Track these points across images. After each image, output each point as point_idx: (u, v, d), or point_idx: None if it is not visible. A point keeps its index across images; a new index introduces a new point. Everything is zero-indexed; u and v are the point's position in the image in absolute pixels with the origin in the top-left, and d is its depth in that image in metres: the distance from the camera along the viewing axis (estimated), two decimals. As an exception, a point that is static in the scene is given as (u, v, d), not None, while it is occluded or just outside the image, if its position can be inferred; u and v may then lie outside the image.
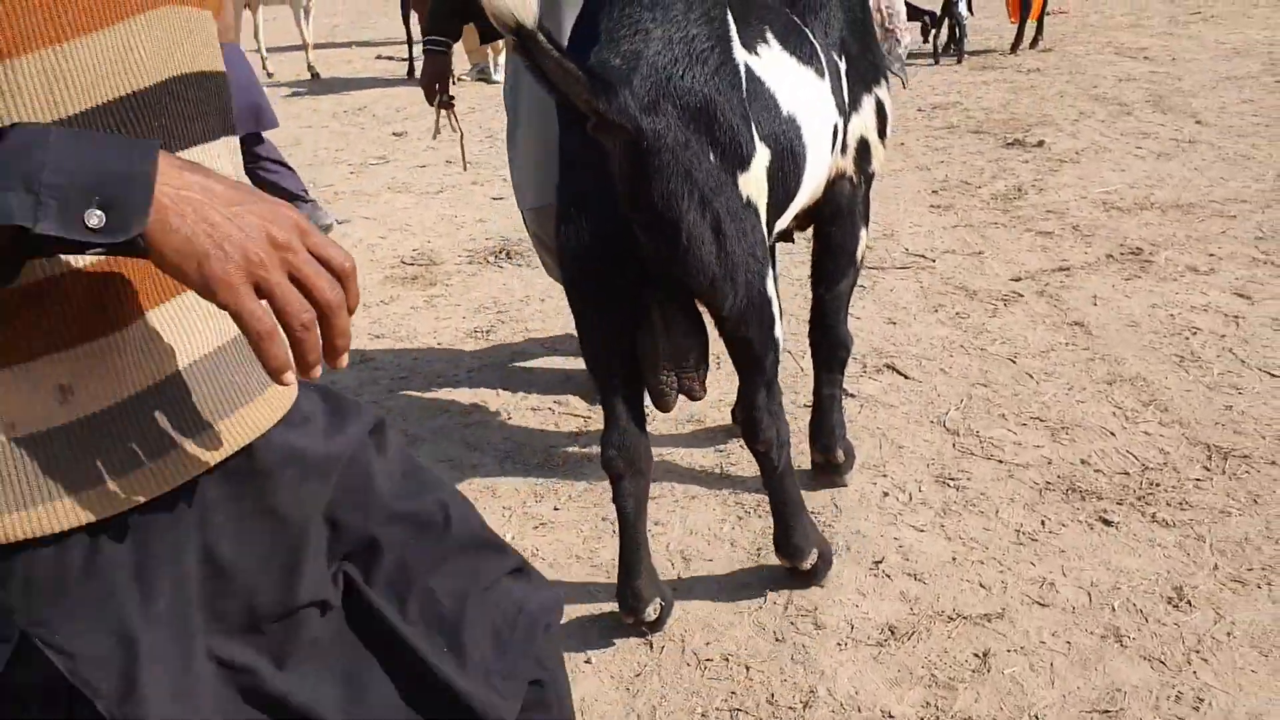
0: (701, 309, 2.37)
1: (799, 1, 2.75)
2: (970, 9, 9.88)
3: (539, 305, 4.71)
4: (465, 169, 5.69)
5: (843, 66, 2.79)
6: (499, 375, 4.04)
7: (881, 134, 2.96)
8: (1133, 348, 3.84)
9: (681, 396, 2.46)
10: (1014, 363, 3.80)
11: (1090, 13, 12.03)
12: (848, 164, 2.84)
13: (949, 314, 4.25)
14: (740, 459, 3.30)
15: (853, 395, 3.63)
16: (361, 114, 9.54)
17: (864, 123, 2.86)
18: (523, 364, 4.12)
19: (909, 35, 3.22)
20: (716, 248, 2.19)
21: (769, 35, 2.50)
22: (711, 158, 2.16)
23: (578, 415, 3.68)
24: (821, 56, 2.67)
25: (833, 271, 2.97)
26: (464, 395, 3.90)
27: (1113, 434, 3.29)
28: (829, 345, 3.02)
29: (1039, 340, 3.96)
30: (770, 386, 2.47)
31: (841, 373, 3.07)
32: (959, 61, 9.60)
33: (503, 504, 3.19)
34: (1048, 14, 10.79)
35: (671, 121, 2.09)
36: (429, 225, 6.00)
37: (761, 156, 2.31)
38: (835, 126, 2.70)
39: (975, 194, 5.81)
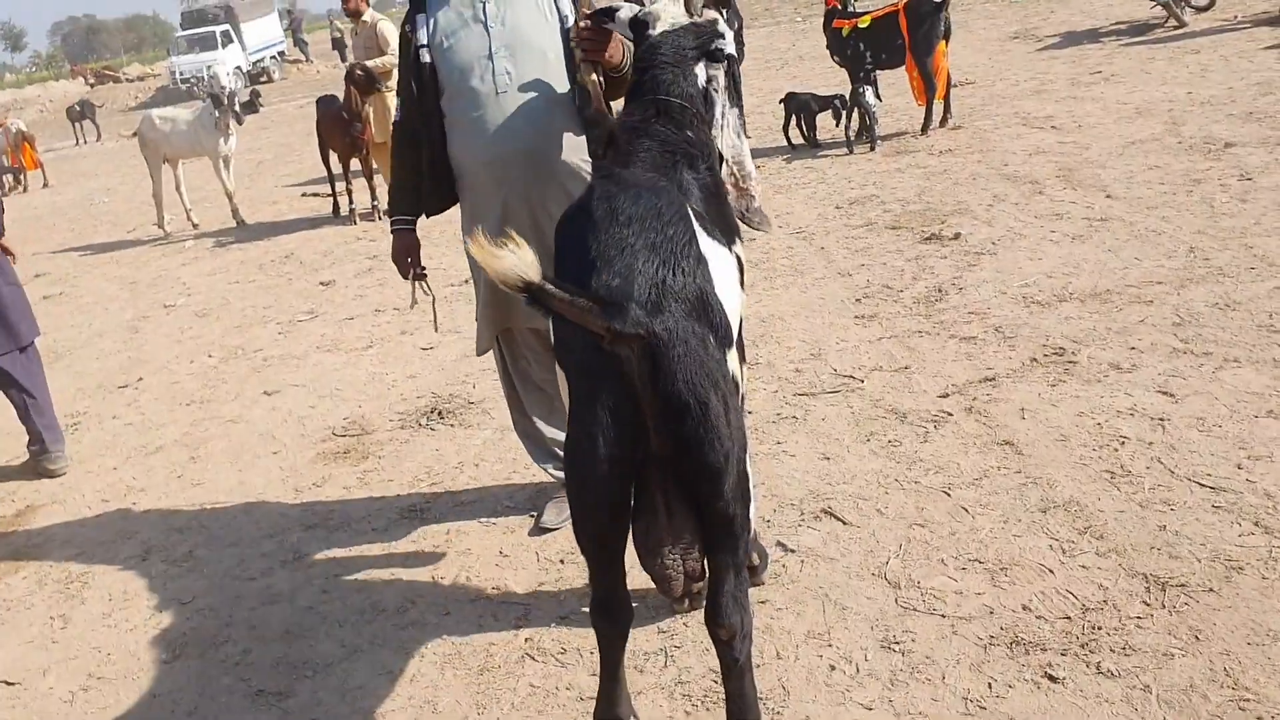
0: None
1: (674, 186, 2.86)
2: (878, 95, 10.08)
3: (473, 472, 4.65)
4: (436, 330, 5.67)
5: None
6: (435, 562, 3.97)
7: (742, 283, 3.06)
8: (1064, 466, 3.85)
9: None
10: (949, 495, 3.79)
11: (995, 80, 12.30)
12: None
13: (882, 442, 4.25)
14: (685, 640, 3.25)
15: (793, 550, 3.60)
16: (288, 262, 9.51)
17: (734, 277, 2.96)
18: (458, 546, 4.05)
19: (760, 187, 3.28)
20: (728, 424, 2.31)
21: (699, 225, 2.60)
22: (712, 341, 2.33)
23: (517, 603, 3.61)
24: (723, 236, 2.81)
25: None
26: (400, 590, 3.82)
27: (1051, 571, 3.27)
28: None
29: (971, 466, 3.96)
30: (741, 570, 2.49)
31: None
32: (872, 149, 9.76)
33: (444, 718, 3.10)
34: (954, 86, 11.02)
35: (677, 317, 2.26)
36: (359, 387, 5.94)
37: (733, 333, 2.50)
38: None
39: (898, 299, 5.85)
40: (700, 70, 3.06)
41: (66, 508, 5.00)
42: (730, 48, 3.16)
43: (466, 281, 7.61)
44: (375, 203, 10.58)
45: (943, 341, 5.17)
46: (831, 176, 9.12)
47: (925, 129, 10.06)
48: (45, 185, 18.98)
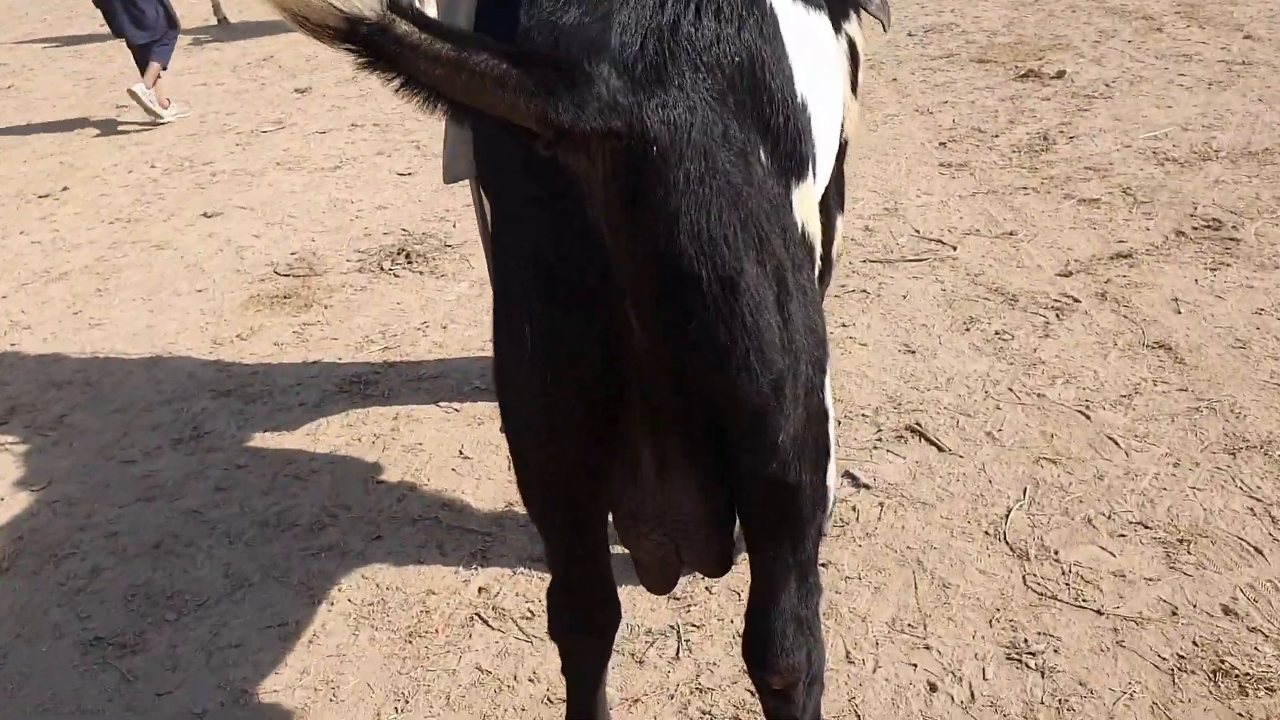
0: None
1: None
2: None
3: (439, 335, 3.57)
4: None
5: None
6: (372, 459, 2.92)
7: (854, 86, 1.93)
8: (1249, 386, 2.75)
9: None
10: (1088, 417, 2.70)
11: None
12: None
13: (986, 334, 3.14)
14: (708, 616, 2.21)
15: (868, 486, 2.53)
16: (266, 65, 8.24)
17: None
18: (407, 439, 3.00)
19: None
20: (781, 321, 1.20)
21: None
22: (764, 158, 1.18)
23: (473, 532, 2.57)
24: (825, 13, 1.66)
25: None
26: (319, 496, 2.78)
27: (1259, 551, 2.20)
28: None
29: (1115, 377, 2.86)
30: (807, 574, 1.44)
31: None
32: (948, -27, 8.35)
33: (345, 715, 2.09)
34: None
35: (696, 99, 1.11)
36: (317, 215, 4.81)
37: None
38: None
39: (992, 145, 4.66)
40: None
41: (-68, 344, 3.95)
42: None
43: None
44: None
45: (1056, 202, 4.00)
46: (899, 1, 7.75)
47: (1011, -46, 8.61)
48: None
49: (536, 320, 1.22)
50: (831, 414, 1.36)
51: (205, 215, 4.96)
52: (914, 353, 3.09)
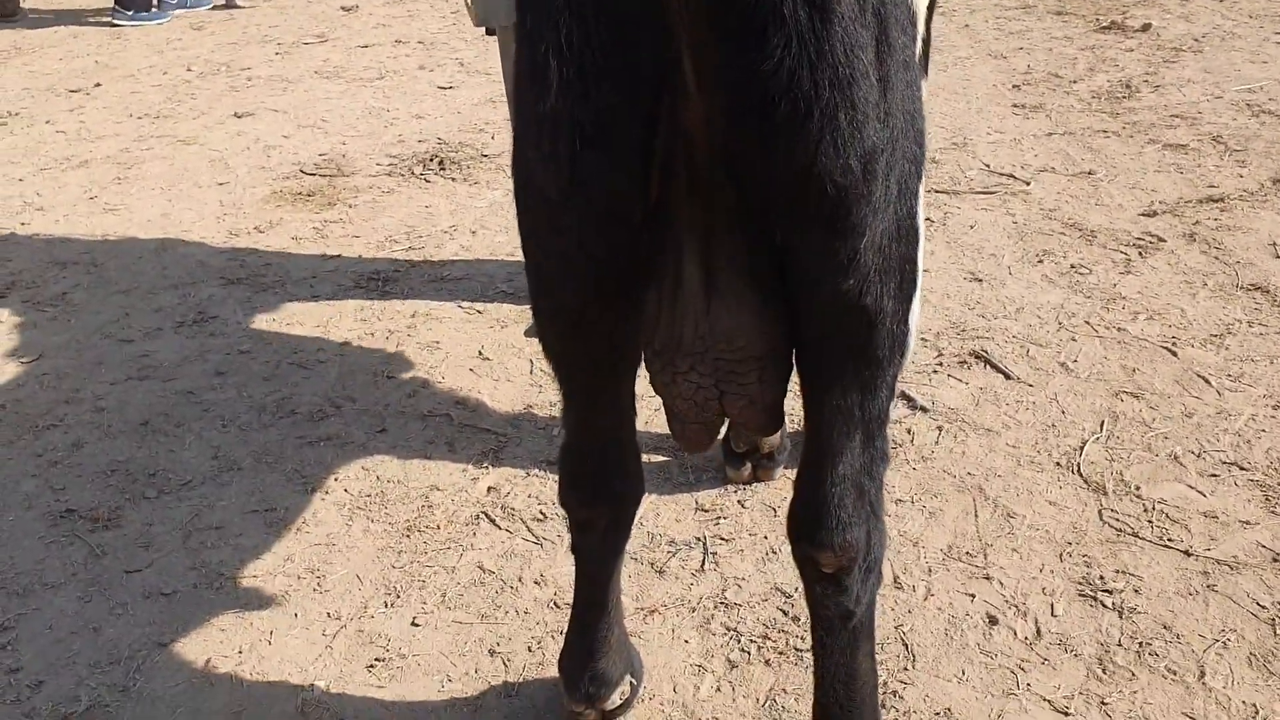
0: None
1: None
2: None
3: (466, 239, 3.33)
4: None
5: None
6: (385, 352, 2.70)
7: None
8: (1357, 333, 2.47)
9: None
10: (1174, 354, 2.43)
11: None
12: None
13: (1060, 267, 2.87)
14: (739, 529, 1.97)
15: (925, 409, 2.28)
16: (314, -15, 8.03)
17: None
18: (424, 336, 2.77)
19: None
20: (880, 83, 0.95)
21: None
22: None
23: (487, 431, 2.34)
24: None
25: None
26: (323, 386, 2.56)
27: (1373, 501, 1.93)
28: None
29: (1205, 315, 2.58)
30: (874, 435, 1.19)
31: None
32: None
33: (329, 606, 1.87)
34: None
35: None
36: (350, 121, 4.58)
37: None
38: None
39: (1071, 91, 4.36)
40: None
41: (-60, 219, 3.76)
42: None
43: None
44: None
45: (1139, 146, 3.70)
46: (975, -44, 7.41)
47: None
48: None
49: (568, 56, 0.96)
50: (923, 239, 1.11)
51: (236, 115, 4.74)
52: (981, 281, 2.83)
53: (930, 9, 1.78)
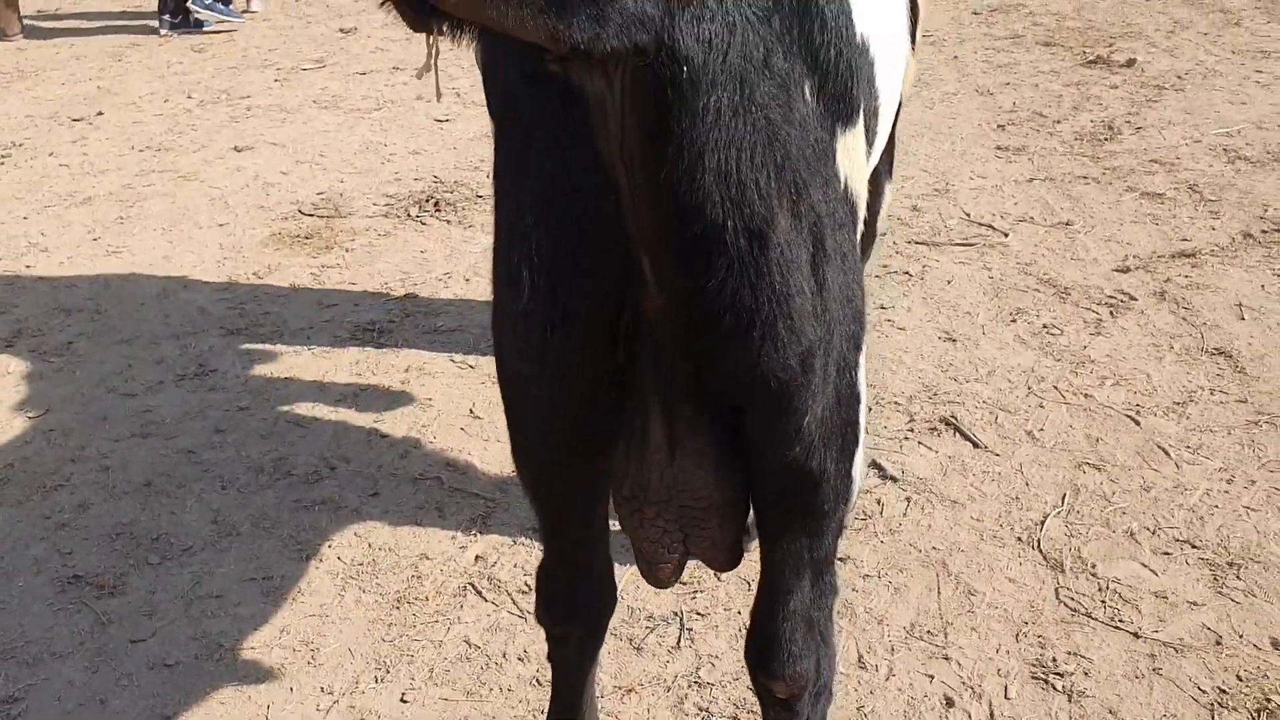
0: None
1: None
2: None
3: (460, 287, 3.43)
4: (438, 99, 4.34)
5: None
6: (378, 410, 2.80)
7: (913, 35, 1.77)
8: (1314, 402, 2.57)
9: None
10: (1137, 423, 2.53)
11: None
12: None
13: (1033, 326, 2.97)
14: (714, 604, 2.07)
15: (895, 478, 2.38)
16: (313, 2, 8.10)
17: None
18: (417, 392, 2.87)
19: None
20: (815, 286, 1.06)
21: None
22: (808, 96, 1.03)
23: (476, 496, 2.44)
24: None
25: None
26: (319, 445, 2.66)
27: (1316, 582, 2.03)
28: None
29: (1169, 382, 2.68)
30: (823, 573, 1.31)
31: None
32: (1019, -47, 8.07)
33: (323, 680, 1.97)
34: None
35: (738, 17, 0.96)
36: (347, 156, 4.68)
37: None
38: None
39: (1054, 132, 4.45)
40: None
41: (-54, 260, 3.85)
42: None
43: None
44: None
45: (1117, 194, 3.80)
46: (967, -21, 7.50)
47: (1086, -62, 8.32)
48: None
49: (538, 265, 1.07)
50: (864, 399, 1.21)
51: (235, 149, 4.84)
52: (954, 341, 2.93)
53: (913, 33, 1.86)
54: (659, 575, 1.34)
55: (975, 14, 6.50)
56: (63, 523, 2.43)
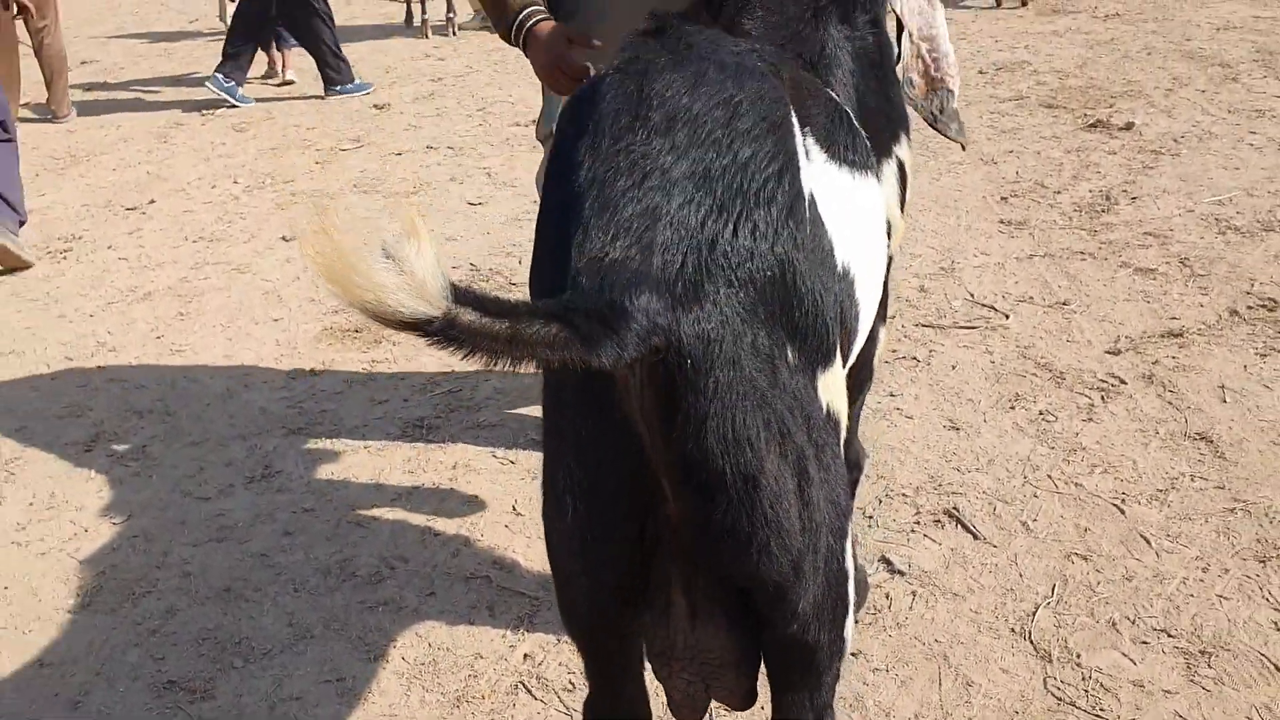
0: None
1: (805, 51, 1.86)
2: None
3: (499, 380, 3.71)
4: None
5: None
6: (430, 508, 3.07)
7: (902, 204, 2.05)
8: (1287, 486, 2.80)
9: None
10: (1122, 512, 2.77)
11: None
12: None
13: (1030, 413, 3.21)
14: None
15: (901, 572, 2.63)
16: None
17: (884, 200, 2.01)
18: (464, 488, 3.15)
19: (959, 80, 2.22)
20: (800, 506, 1.33)
21: (811, 140, 1.63)
22: (790, 355, 1.31)
23: (523, 595, 2.71)
24: (871, 152, 1.76)
25: (850, 386, 2.07)
26: (379, 545, 2.93)
27: (1278, 669, 2.26)
28: None
29: (1153, 468, 2.92)
30: (824, 715, 1.56)
31: (851, 497, 2.26)
32: (1024, 3, 8.34)
33: (396, 778, 2.24)
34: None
35: (729, 313, 1.24)
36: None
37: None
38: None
39: (1054, 203, 4.70)
40: None
41: (24, 362, 4.18)
42: None
43: (535, 122, 6.56)
44: (451, 15, 9.45)
45: (1112, 270, 4.04)
46: (975, 33, 7.78)
47: (1091, -14, 8.57)
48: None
49: (578, 495, 1.35)
50: (852, 572, 1.47)
51: (284, 239, 5.15)
52: (958, 429, 3.17)
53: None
54: (686, 715, 1.60)
55: (981, 74, 6.77)
56: (153, 629, 2.71)
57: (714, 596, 1.41)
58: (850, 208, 1.64)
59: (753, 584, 1.33)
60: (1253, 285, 3.83)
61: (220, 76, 7.56)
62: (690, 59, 1.41)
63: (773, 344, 1.26)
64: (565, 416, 1.38)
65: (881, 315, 2.21)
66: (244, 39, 7.65)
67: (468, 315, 1.07)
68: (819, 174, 1.57)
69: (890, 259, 2.16)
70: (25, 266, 4.97)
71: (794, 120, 1.41)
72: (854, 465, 2.32)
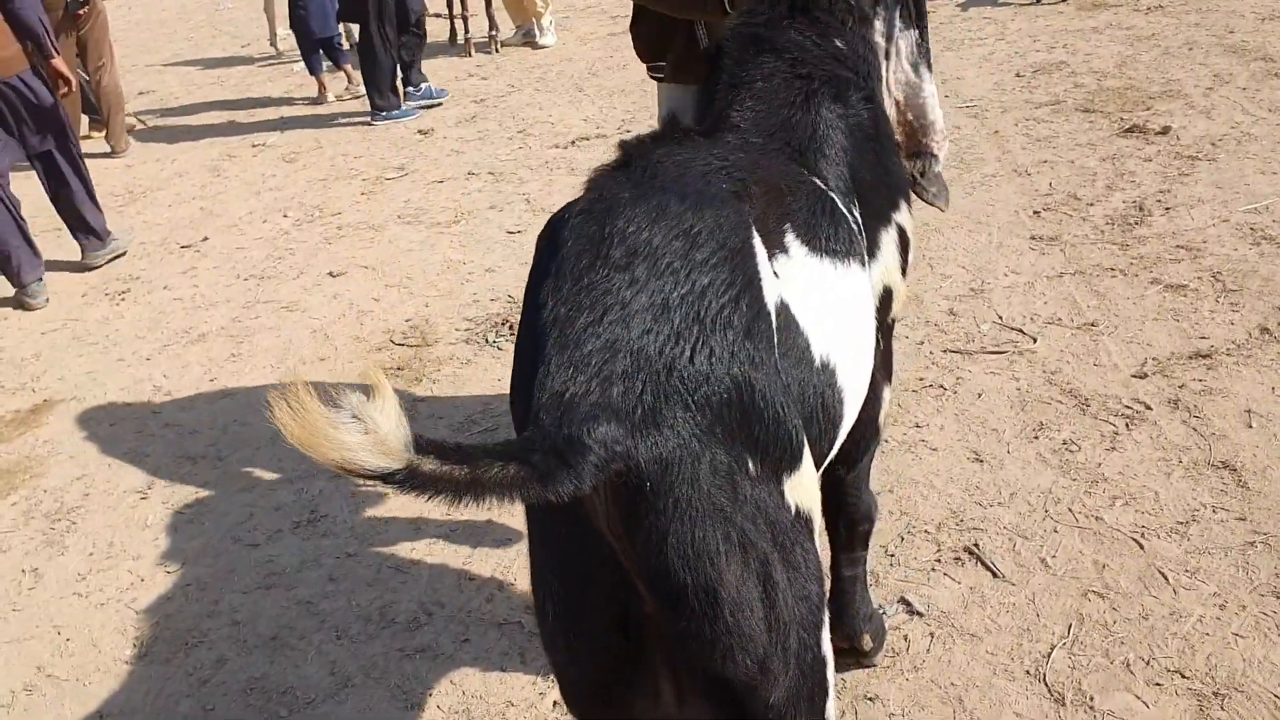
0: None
1: (794, 138, 1.92)
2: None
3: (536, 419, 3.80)
4: None
5: (856, 214, 1.96)
6: (467, 551, 3.18)
7: (904, 270, 2.12)
8: (1309, 517, 2.81)
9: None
10: (1141, 546, 2.80)
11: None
12: None
13: (1054, 443, 3.24)
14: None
15: (920, 613, 2.69)
16: (392, 98, 8.63)
17: (884, 268, 2.11)
18: (497, 533, 3.25)
19: (946, 146, 2.27)
20: (765, 610, 1.41)
21: (790, 236, 1.70)
22: (751, 468, 1.39)
23: (553, 641, 2.80)
24: (859, 234, 1.84)
25: (852, 449, 2.24)
26: (418, 591, 3.05)
27: (1291, 710, 2.29)
28: (849, 521, 2.41)
29: (1175, 499, 2.94)
30: None
31: (865, 547, 2.48)
32: (1066, -2, 8.26)
33: (431, 828, 2.35)
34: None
35: (686, 436, 1.32)
36: (432, 278, 5.11)
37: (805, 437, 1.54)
38: (877, 328, 1.92)
39: (1087, 215, 4.69)
40: None
41: (85, 407, 4.36)
42: None
43: (575, 143, 6.68)
44: (494, 33, 9.57)
45: (1142, 287, 4.04)
46: (1013, 32, 7.73)
47: (1133, -23, 8.45)
48: (178, -16, 18.34)
49: (558, 602, 1.44)
50: (829, 658, 1.54)
51: (330, 274, 5.31)
52: (982, 461, 3.22)
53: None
54: None
55: (1018, 77, 6.73)
56: (204, 679, 2.85)
57: (697, 683, 1.50)
58: (833, 299, 1.71)
59: (720, 683, 1.41)
60: (1285, 300, 3.81)
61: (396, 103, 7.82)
62: (653, 191, 1.49)
63: (732, 460, 1.34)
64: (545, 525, 1.47)
65: (886, 375, 2.27)
66: (376, 69, 7.73)
67: (429, 465, 1.16)
68: (797, 273, 1.64)
69: (893, 323, 2.22)
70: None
71: (755, 242, 1.49)
72: (864, 518, 2.39)
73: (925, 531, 2.96)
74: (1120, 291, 4.04)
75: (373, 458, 1.12)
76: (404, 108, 7.84)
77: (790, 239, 1.68)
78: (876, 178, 2.07)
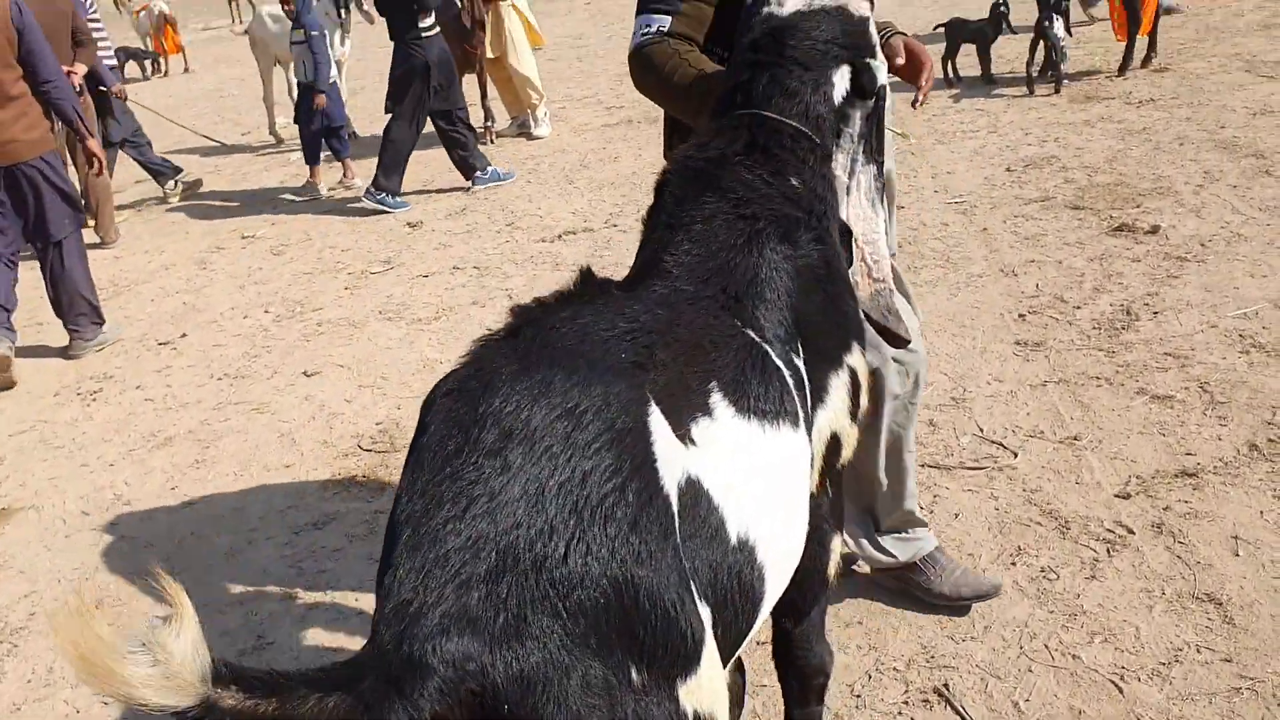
0: None
1: (731, 284, 1.81)
2: (1068, 29, 8.49)
3: (500, 536, 3.67)
4: None
5: (799, 361, 1.84)
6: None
7: (854, 414, 1.99)
8: (1298, 658, 2.65)
9: None
10: (1120, 690, 2.64)
11: (1211, 7, 10.45)
12: (813, 479, 1.90)
13: (1032, 569, 3.10)
14: None
15: (882, 764, 2.53)
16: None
17: (832, 414, 1.97)
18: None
19: (890, 276, 2.18)
20: None
21: (716, 396, 1.58)
22: (635, 678, 1.25)
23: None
24: (793, 391, 1.72)
25: (800, 601, 2.10)
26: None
27: None
28: (800, 676, 2.23)
29: (1157, 636, 2.79)
30: None
31: (820, 702, 2.30)
32: (1057, 91, 8.25)
33: None
34: (1164, 13, 9.24)
35: (553, 648, 1.18)
36: (407, 378, 5.02)
37: (709, 630, 1.39)
38: (810, 487, 1.78)
39: (1073, 319, 4.59)
40: (839, 80, 2.02)
41: (42, 517, 4.25)
42: (884, 75, 2.08)
43: (561, 237, 6.63)
44: (489, 124, 9.60)
45: (1128, 398, 3.92)
46: (1005, 124, 7.71)
47: (1123, 70, 8.48)
48: (186, 70, 18.63)
49: None
50: None
51: (305, 374, 5.22)
52: (956, 590, 3.07)
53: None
54: None
55: (1009, 171, 6.69)
56: (132, 825, 2.69)
57: None
58: (761, 461, 1.60)
59: None
60: (1274, 414, 3.68)
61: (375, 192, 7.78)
62: (540, 364, 1.39)
63: (609, 672, 1.21)
64: None
65: (836, 524, 2.15)
66: (396, 151, 7.73)
67: (229, 699, 1.04)
68: (722, 435, 1.53)
69: (841, 470, 2.11)
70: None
71: (652, 419, 1.38)
72: (817, 671, 2.25)
73: (894, 669, 2.81)
74: (1105, 402, 3.91)
75: (159, 696, 1.00)
76: (399, 200, 7.81)
77: (714, 399, 1.57)
78: (827, 319, 1.97)
